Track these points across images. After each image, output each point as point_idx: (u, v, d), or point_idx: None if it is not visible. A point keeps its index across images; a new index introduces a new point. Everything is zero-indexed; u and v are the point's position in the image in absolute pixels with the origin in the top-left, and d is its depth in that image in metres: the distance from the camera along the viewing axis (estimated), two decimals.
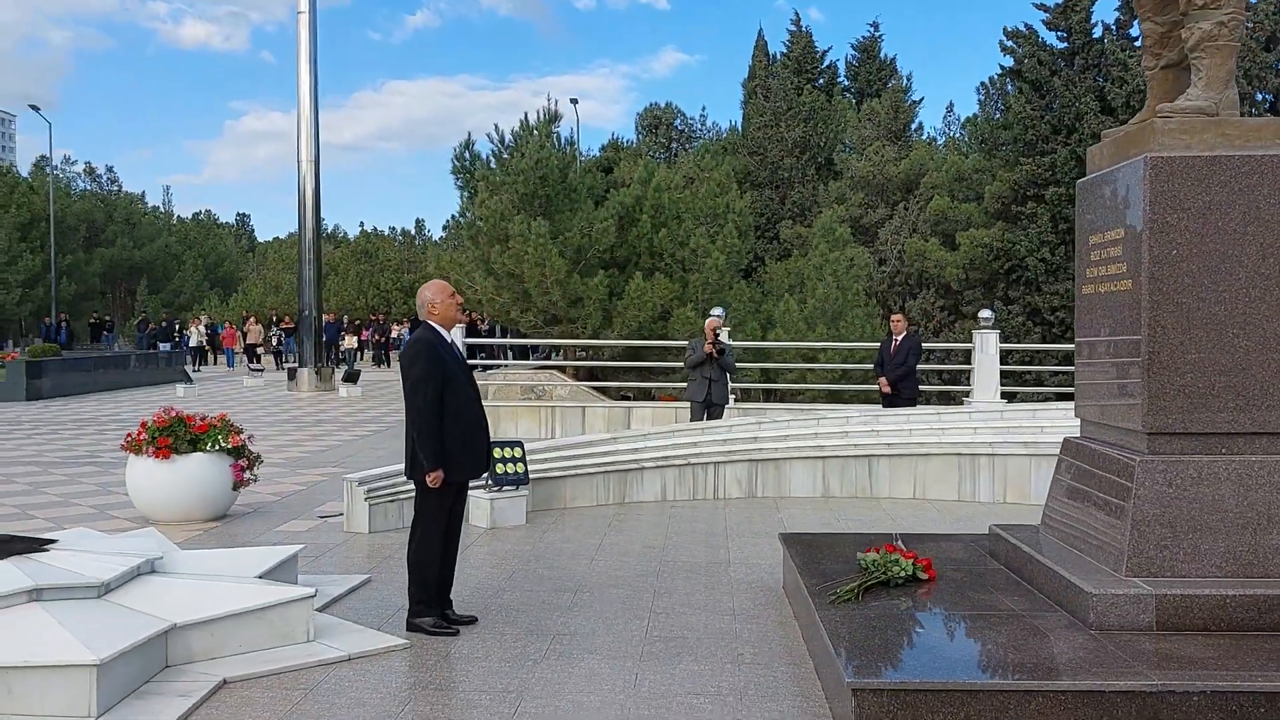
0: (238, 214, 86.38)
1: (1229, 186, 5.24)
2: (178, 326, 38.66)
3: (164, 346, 33.18)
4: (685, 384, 16.95)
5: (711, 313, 15.46)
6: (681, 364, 17.95)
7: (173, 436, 8.18)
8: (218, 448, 8.32)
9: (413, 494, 5.87)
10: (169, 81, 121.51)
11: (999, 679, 4.37)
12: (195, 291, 50.17)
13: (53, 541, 5.44)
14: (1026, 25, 29.50)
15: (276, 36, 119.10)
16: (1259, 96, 26.08)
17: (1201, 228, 5.24)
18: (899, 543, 6.08)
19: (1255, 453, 5.24)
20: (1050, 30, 28.99)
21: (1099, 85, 27.27)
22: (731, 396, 12.80)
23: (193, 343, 34.74)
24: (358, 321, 38.53)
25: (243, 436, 8.60)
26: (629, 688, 4.88)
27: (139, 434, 8.34)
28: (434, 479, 5.55)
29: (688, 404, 15.25)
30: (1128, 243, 5.46)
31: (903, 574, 5.75)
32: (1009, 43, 29.57)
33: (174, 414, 8.41)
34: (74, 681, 4.24)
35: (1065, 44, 28.64)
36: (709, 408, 12.23)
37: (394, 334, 35.28)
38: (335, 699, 4.67)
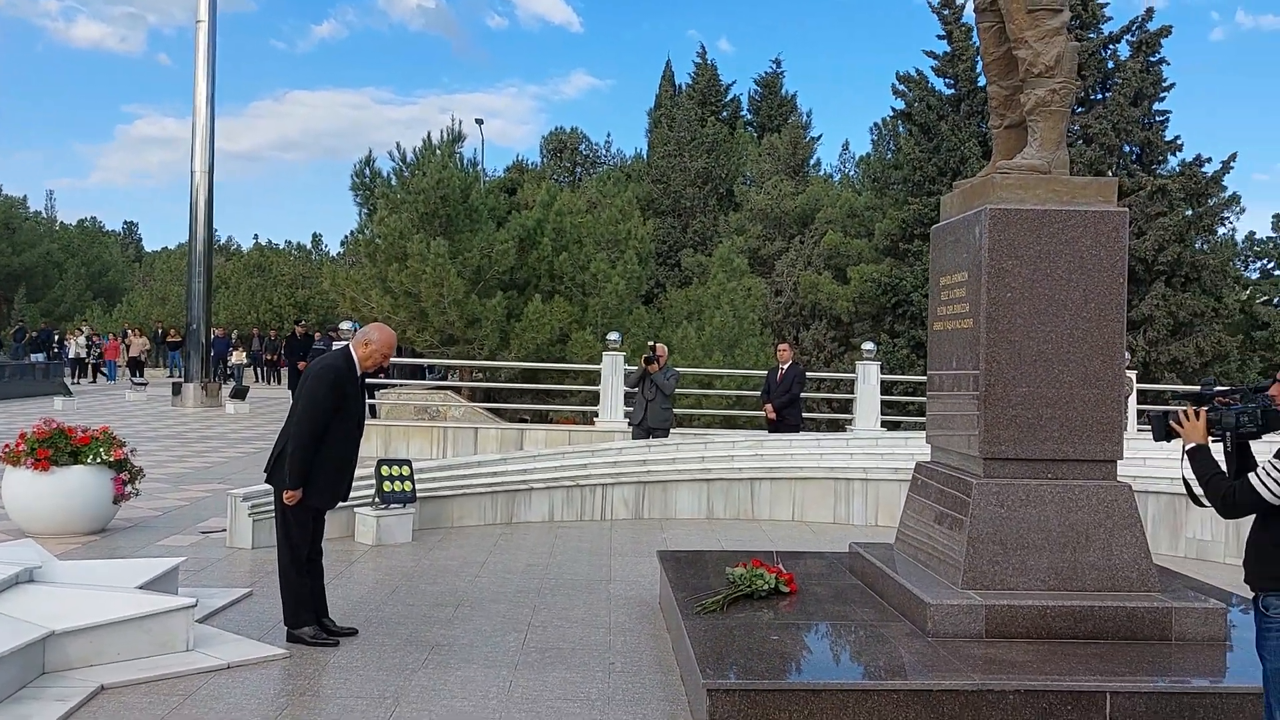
0: (125, 222, 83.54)
1: (1058, 237, 5.81)
2: (56, 337, 37.28)
3: (36, 357, 31.99)
4: (583, 406, 17.30)
5: (609, 336, 15.84)
6: (579, 387, 18.26)
7: (53, 448, 8.12)
8: (99, 460, 8.29)
9: None
10: (58, 82, 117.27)
11: (839, 680, 4.78)
12: (77, 301, 48.33)
13: None
14: (917, 71, 30.85)
15: (175, 40, 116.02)
16: (1125, 148, 27.78)
17: (1033, 274, 5.80)
18: (779, 563, 6.48)
19: (1076, 478, 5.79)
20: (939, 77, 30.36)
21: (982, 131, 28.65)
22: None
23: (71, 354, 33.56)
24: (267, 334, 37.58)
25: (125, 450, 8.57)
26: (502, 694, 5.14)
27: (17, 445, 8.24)
28: (290, 497, 5.76)
29: (582, 428, 15.56)
30: (970, 285, 5.99)
31: (766, 587, 6.15)
32: (900, 86, 30.85)
33: (55, 425, 8.34)
34: None
35: (952, 90, 30.03)
36: (649, 432, 12.11)
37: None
38: (213, 705, 4.82)
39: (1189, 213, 26.91)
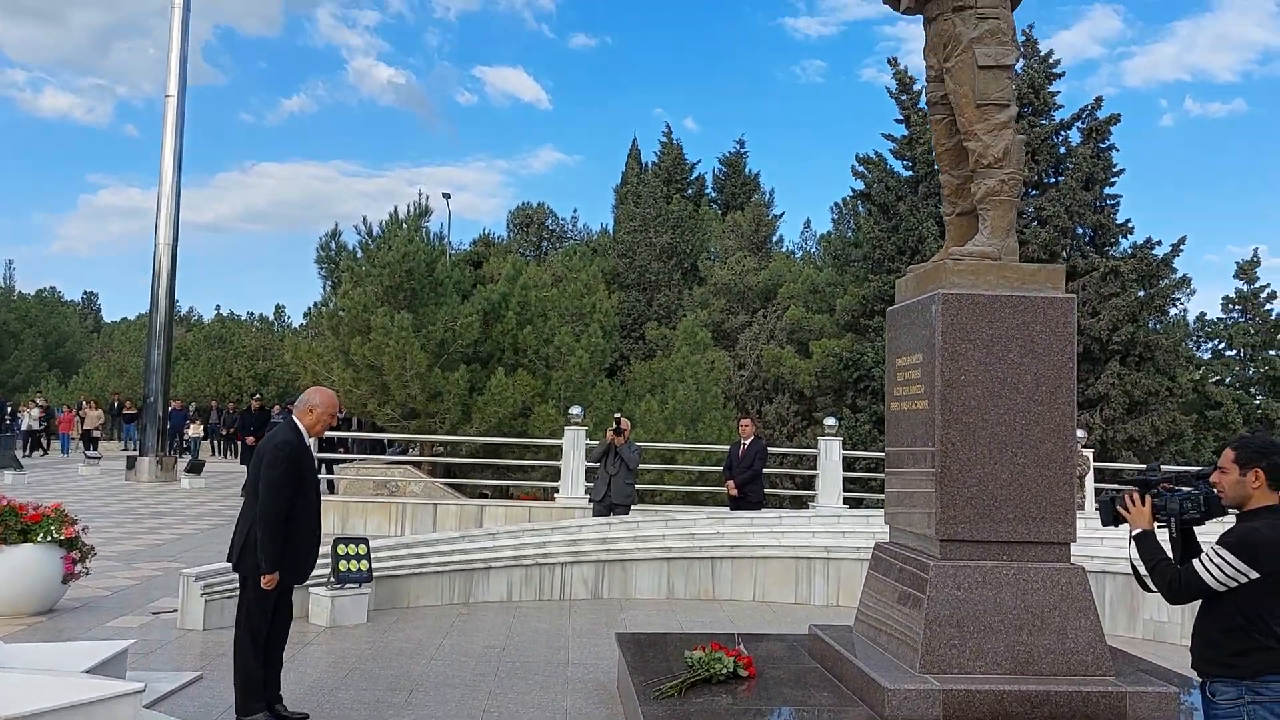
0: (85, 292, 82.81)
1: (1009, 322, 5.96)
2: (9, 409, 36.59)
3: None
4: (544, 481, 17.20)
5: (571, 410, 15.84)
6: (540, 462, 18.17)
7: (2, 525, 7.95)
8: (50, 538, 8.12)
9: None
10: (23, 151, 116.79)
11: None
12: (32, 372, 47.51)
13: None
14: (876, 153, 31.60)
15: (143, 111, 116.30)
16: (1079, 230, 28.51)
17: (986, 357, 5.93)
18: (740, 645, 6.44)
19: (1032, 560, 5.85)
20: (897, 159, 31.11)
21: (938, 212, 29.38)
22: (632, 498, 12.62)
23: (25, 426, 32.93)
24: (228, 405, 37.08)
25: (76, 528, 8.41)
26: None
27: None
28: (269, 581, 5.68)
29: (543, 504, 15.47)
30: (925, 367, 6.10)
31: (725, 671, 6.11)
32: (860, 168, 31.57)
33: (5, 502, 8.17)
34: None
35: (910, 172, 30.74)
36: (611, 508, 12.02)
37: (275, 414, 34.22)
38: None
39: (1141, 294, 27.55)
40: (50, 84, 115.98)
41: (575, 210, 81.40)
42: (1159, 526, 4.18)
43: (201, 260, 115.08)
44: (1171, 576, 4.01)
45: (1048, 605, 5.75)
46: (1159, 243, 28.30)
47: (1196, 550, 4.11)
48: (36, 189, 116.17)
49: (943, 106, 6.55)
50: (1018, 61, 6.35)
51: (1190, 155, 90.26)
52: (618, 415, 12.75)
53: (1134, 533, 4.16)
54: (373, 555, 8.94)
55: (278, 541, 5.68)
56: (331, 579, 8.55)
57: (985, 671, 5.61)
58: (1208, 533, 4.12)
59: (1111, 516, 4.41)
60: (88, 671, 5.57)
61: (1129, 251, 28.44)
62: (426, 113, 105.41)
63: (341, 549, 8.64)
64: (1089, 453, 16.72)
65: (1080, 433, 14.88)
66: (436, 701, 6.45)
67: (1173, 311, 32.43)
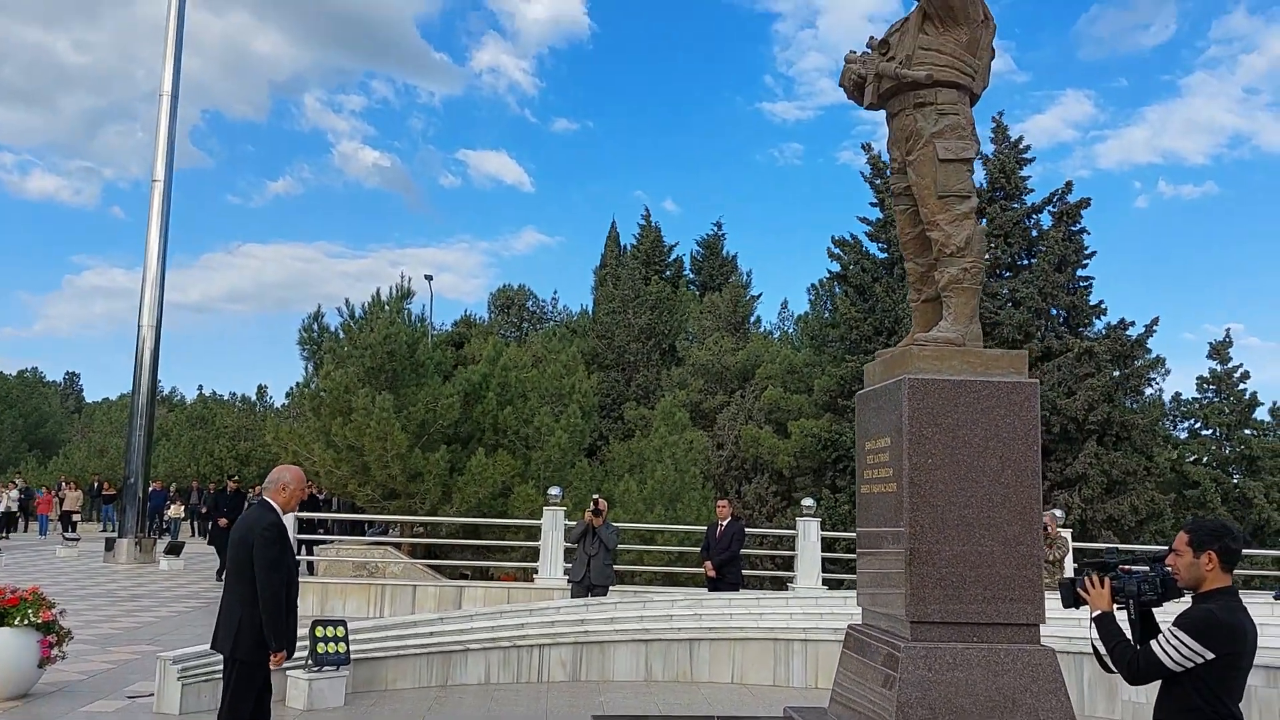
0: (67, 373, 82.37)
1: (973, 406, 6.14)
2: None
3: None
4: (523, 562, 17.16)
5: (550, 491, 15.90)
6: (519, 543, 18.13)
7: None
8: (27, 622, 8.09)
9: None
10: (7, 231, 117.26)
11: None
12: (12, 453, 47.12)
13: None
14: (852, 235, 32.29)
15: (129, 194, 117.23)
16: (1053, 312, 29.07)
17: (951, 440, 6.10)
18: None
19: (1001, 641, 5.95)
20: (872, 241, 31.77)
21: None
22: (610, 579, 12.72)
23: (2, 508, 32.56)
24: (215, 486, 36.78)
25: (54, 611, 8.38)
26: None
27: None
28: (278, 660, 5.78)
29: (522, 585, 15.43)
30: (893, 450, 6.27)
31: None
32: (836, 250, 32.21)
33: None
34: None
35: (885, 254, 31.36)
36: (589, 589, 12.11)
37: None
38: None
39: (1116, 373, 27.99)
40: (38, 166, 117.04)
41: (555, 292, 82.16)
42: (1118, 608, 4.31)
43: (185, 340, 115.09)
44: (1131, 657, 4.12)
45: (1019, 686, 5.83)
46: (1132, 323, 28.91)
47: (1155, 630, 4.24)
48: (20, 269, 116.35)
49: (906, 197, 6.83)
50: (977, 155, 6.65)
51: (1164, 236, 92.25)
52: (596, 496, 12.84)
53: (1094, 614, 4.30)
54: (351, 637, 8.92)
55: (282, 619, 5.76)
56: (309, 661, 8.53)
57: None
58: (1166, 613, 4.25)
59: (1072, 598, 4.54)
60: None
61: (1103, 332, 28.97)
62: (410, 194, 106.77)
63: (320, 631, 8.63)
64: (1067, 533, 16.83)
65: (1058, 513, 15.02)
66: None
67: (1148, 391, 32.91)
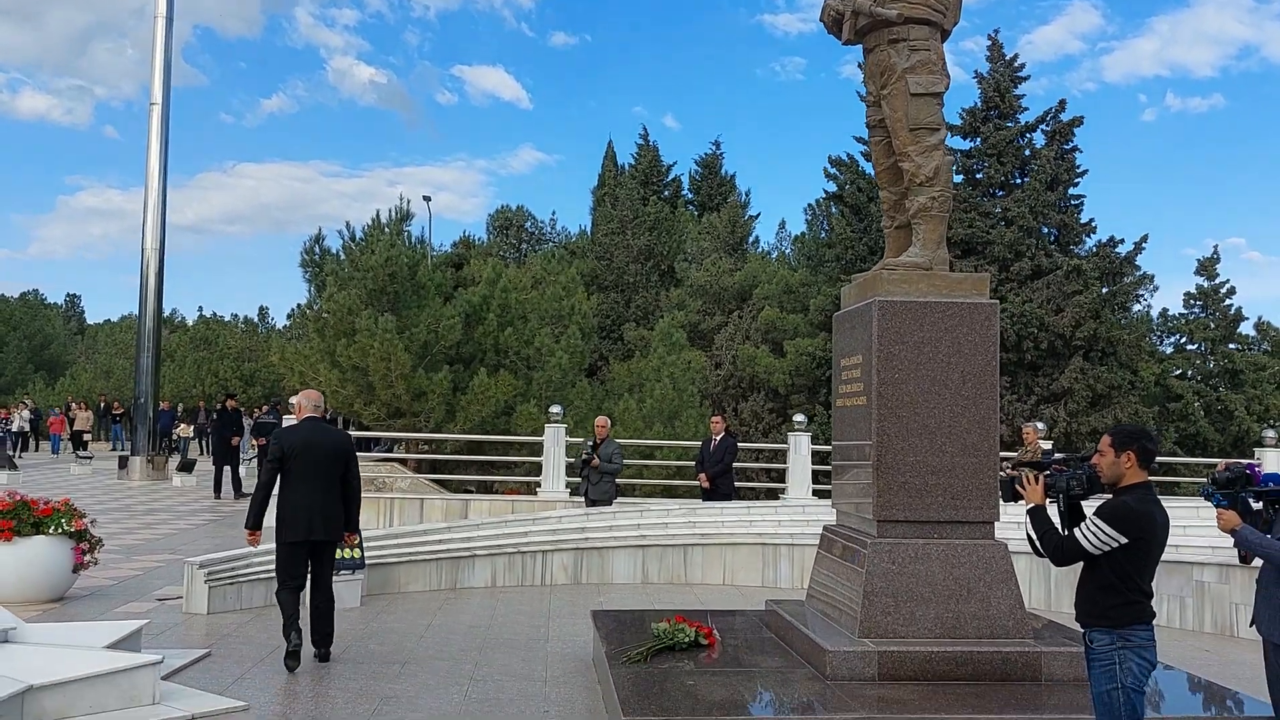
0: (68, 295, 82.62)
1: (938, 325, 6.65)
2: (3, 410, 36.99)
3: None
4: (526, 477, 17.83)
5: (551, 409, 16.48)
6: (522, 458, 18.79)
7: (16, 519, 8.54)
8: (61, 531, 8.71)
9: (254, 575, 6.70)
10: (0, 152, 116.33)
11: (746, 716, 5.42)
12: (19, 375, 47.83)
13: None
14: (848, 155, 32.41)
15: (122, 113, 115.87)
16: (1044, 230, 29.39)
17: (917, 357, 6.62)
18: (710, 622, 7.11)
19: (959, 537, 6.55)
20: (868, 161, 31.88)
21: None
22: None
23: (15, 428, 33.34)
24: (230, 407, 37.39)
25: (85, 520, 9.00)
26: None
27: None
28: (354, 539, 7.23)
29: (525, 498, 16.12)
30: (864, 366, 6.80)
31: (687, 640, 6.78)
32: (832, 170, 32.40)
33: (18, 498, 8.76)
34: None
35: None
36: (592, 504, 12.83)
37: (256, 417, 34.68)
38: None
39: (1104, 290, 28.43)
40: (28, 85, 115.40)
41: (554, 212, 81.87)
42: (1050, 501, 4.86)
43: (184, 262, 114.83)
44: (1057, 542, 4.68)
45: (973, 577, 6.45)
46: (1121, 241, 29.24)
47: (1081, 520, 4.80)
48: (13, 191, 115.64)
49: (880, 129, 7.24)
50: (947, 89, 7.03)
51: (1171, 150, 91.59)
52: (590, 444, 13.25)
53: (1028, 507, 4.84)
54: (365, 544, 9.55)
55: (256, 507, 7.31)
56: None
57: (917, 635, 6.31)
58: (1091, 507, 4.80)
59: (1011, 494, 5.10)
60: (108, 647, 6.19)
61: (1092, 250, 29.34)
62: (407, 112, 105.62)
63: None
64: (1048, 444, 17.47)
65: (1040, 425, 15.60)
66: (428, 673, 7.10)
67: (1136, 308, 33.40)
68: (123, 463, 23.83)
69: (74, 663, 5.75)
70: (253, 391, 38.44)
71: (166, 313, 61.63)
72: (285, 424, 7.26)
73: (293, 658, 6.90)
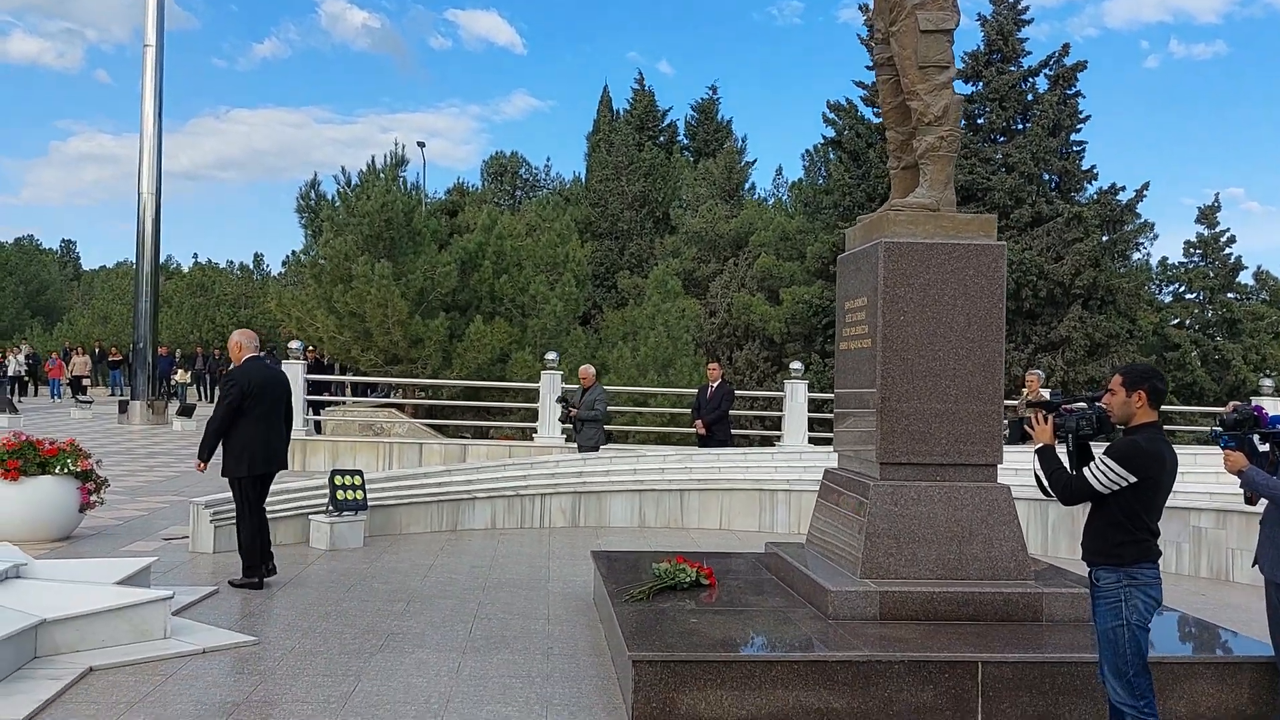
0: (63, 240, 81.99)
1: (944, 267, 6.62)
2: None
3: None
4: (522, 423, 17.91)
5: (547, 355, 16.50)
6: (518, 405, 18.85)
7: (22, 459, 8.56)
8: (67, 471, 8.73)
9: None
10: None
11: (748, 653, 5.48)
12: (15, 319, 47.65)
13: None
14: (847, 100, 32.03)
15: (113, 57, 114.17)
16: (1045, 177, 29.21)
17: (923, 299, 6.60)
18: (709, 564, 7.16)
19: (962, 480, 6.58)
20: (868, 106, 31.53)
21: None
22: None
23: (11, 372, 33.30)
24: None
25: (91, 461, 9.02)
26: (452, 673, 5.75)
27: None
28: (197, 467, 7.76)
29: (521, 443, 16.22)
30: (869, 309, 6.78)
31: (688, 580, 6.84)
32: (831, 115, 32.04)
33: (24, 438, 8.77)
34: None
35: (881, 119, 31.28)
36: (580, 448, 13.19)
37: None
38: (192, 684, 5.37)
39: (1104, 239, 28.34)
40: (18, 28, 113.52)
41: (548, 159, 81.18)
42: (1058, 441, 4.88)
43: (178, 208, 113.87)
44: (1065, 481, 4.72)
45: (975, 519, 6.49)
46: (1123, 189, 29.07)
47: (1089, 460, 4.82)
48: (4, 135, 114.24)
49: (889, 67, 7.14)
50: (958, 26, 6.93)
51: (1172, 98, 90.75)
52: (563, 398, 13.52)
53: (1037, 447, 4.87)
54: (367, 486, 9.60)
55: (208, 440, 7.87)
56: (330, 507, 9.23)
57: (918, 576, 6.37)
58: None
59: (1020, 435, 5.12)
60: (118, 583, 6.23)
61: (1093, 197, 29.19)
62: (400, 57, 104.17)
63: (339, 479, 9.30)
64: (1046, 392, 17.55)
65: (1038, 373, 15.64)
66: (432, 610, 7.17)
67: (1135, 256, 33.35)
68: (123, 407, 23.85)
69: (85, 598, 5.80)
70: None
71: (162, 259, 61.32)
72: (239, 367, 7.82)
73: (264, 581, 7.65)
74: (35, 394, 35.90)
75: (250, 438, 7.56)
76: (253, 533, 7.60)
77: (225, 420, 7.56)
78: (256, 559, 7.60)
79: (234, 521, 8.24)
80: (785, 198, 42.16)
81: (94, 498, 9.05)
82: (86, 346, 38.58)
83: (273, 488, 8.11)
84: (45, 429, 21.21)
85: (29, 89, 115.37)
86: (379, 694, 5.33)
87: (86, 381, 33.66)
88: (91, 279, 61.27)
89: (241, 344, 7.87)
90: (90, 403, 26.57)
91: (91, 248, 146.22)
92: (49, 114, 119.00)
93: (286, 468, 8.08)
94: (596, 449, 13.01)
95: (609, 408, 15.40)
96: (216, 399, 7.96)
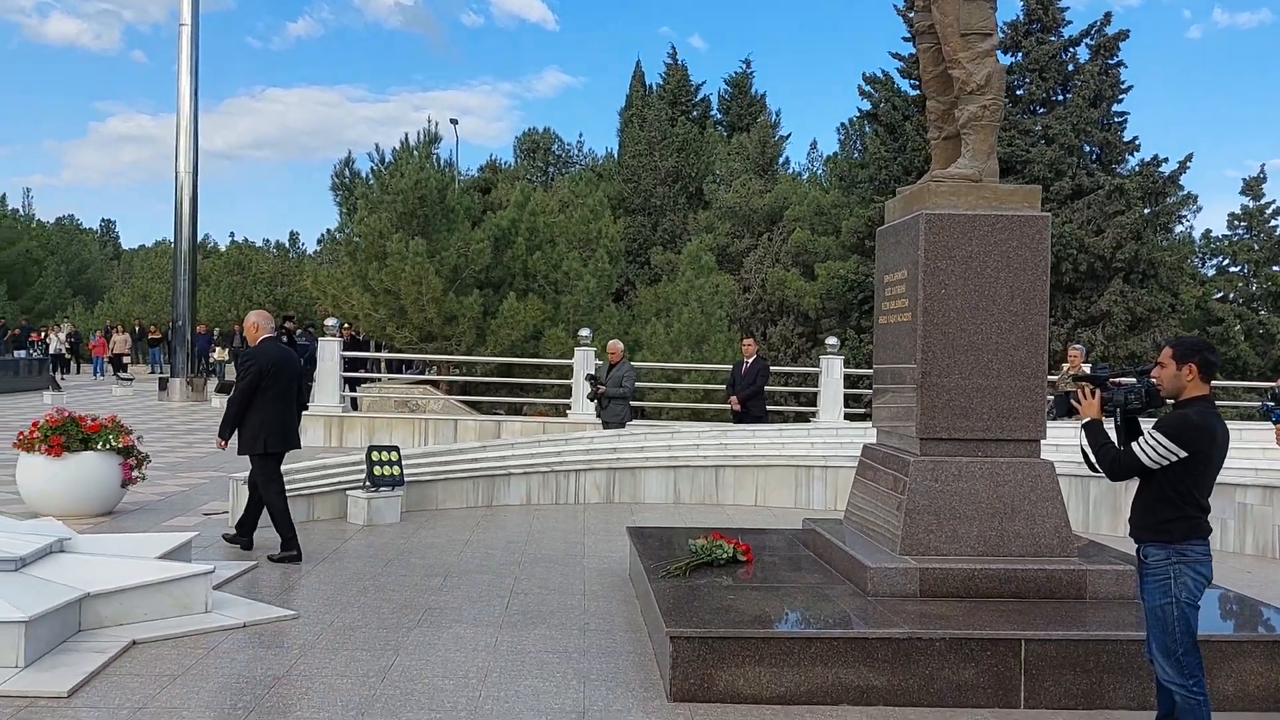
0: (102, 220, 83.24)
1: (987, 239, 6.49)
2: (35, 333, 37.50)
3: (19, 354, 32.24)
4: (556, 400, 17.92)
5: (580, 332, 16.47)
6: (551, 381, 18.85)
7: (65, 435, 8.66)
8: (109, 446, 8.83)
9: (297, 491, 6.89)
10: (31, 78, 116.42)
11: (786, 630, 5.44)
12: (57, 299, 48.40)
13: None
14: (883, 72, 31.63)
15: (150, 37, 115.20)
16: (1086, 148, 28.67)
17: (964, 272, 6.47)
18: (746, 540, 7.12)
19: (1004, 455, 6.47)
20: (904, 78, 31.10)
21: None
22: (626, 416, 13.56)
23: (52, 350, 33.82)
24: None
25: (132, 437, 9.12)
26: (490, 648, 5.76)
27: (31, 432, 8.77)
28: (218, 444, 7.95)
29: (555, 419, 16.21)
30: (909, 282, 6.66)
31: (725, 556, 6.80)
32: (867, 87, 31.63)
33: (66, 414, 8.88)
34: (4, 636, 4.88)
35: (918, 91, 30.77)
36: (606, 424, 13.22)
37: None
38: (234, 656, 5.42)
39: (1146, 211, 27.82)
40: (57, 9, 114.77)
41: (580, 134, 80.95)
42: (1106, 416, 4.77)
43: (214, 187, 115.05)
44: (1113, 457, 4.61)
45: (1018, 495, 6.38)
46: (1165, 160, 28.50)
47: (1138, 435, 4.71)
48: (45, 117, 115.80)
49: (929, 35, 6.99)
50: None
51: (1217, 68, 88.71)
52: (591, 376, 13.49)
53: (1084, 422, 4.76)
54: (403, 462, 9.63)
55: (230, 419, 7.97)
56: (367, 483, 9.28)
57: (959, 553, 6.28)
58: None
59: (1066, 409, 5.01)
60: (159, 558, 6.29)
61: (1135, 169, 28.64)
62: (432, 35, 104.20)
63: (375, 455, 9.34)
64: (1087, 366, 17.29)
65: (1081, 347, 15.40)
66: (469, 585, 7.19)
67: (1178, 229, 32.71)
68: (162, 384, 24.16)
69: (129, 572, 5.86)
70: (297, 316, 38.64)
71: (200, 238, 61.95)
72: (255, 345, 7.99)
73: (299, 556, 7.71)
74: (78, 371, 36.47)
75: (267, 416, 7.68)
76: (284, 506, 7.71)
77: (246, 398, 7.66)
78: (292, 531, 7.70)
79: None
80: (820, 172, 41.75)
81: (135, 473, 9.15)
82: (126, 325, 39.12)
83: (311, 463, 8.18)
84: (87, 406, 21.53)
85: (68, 70, 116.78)
86: (417, 668, 5.35)
87: (127, 359, 34.14)
88: (131, 258, 62.05)
89: (258, 324, 7.99)
90: (131, 380, 26.95)
91: (131, 227, 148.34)
92: (88, 95, 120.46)
93: (300, 447, 8.18)
94: (623, 426, 13.00)
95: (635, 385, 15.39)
96: (235, 378, 8.05)
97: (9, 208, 55.38)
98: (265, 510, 7.91)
